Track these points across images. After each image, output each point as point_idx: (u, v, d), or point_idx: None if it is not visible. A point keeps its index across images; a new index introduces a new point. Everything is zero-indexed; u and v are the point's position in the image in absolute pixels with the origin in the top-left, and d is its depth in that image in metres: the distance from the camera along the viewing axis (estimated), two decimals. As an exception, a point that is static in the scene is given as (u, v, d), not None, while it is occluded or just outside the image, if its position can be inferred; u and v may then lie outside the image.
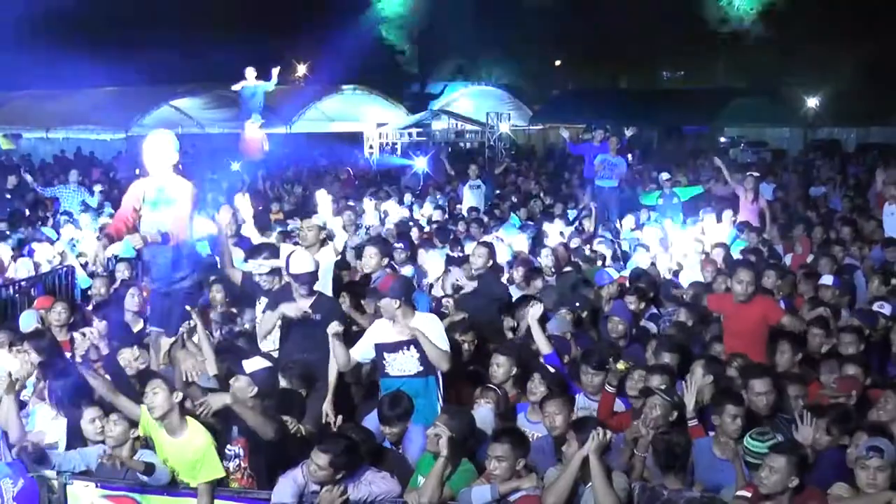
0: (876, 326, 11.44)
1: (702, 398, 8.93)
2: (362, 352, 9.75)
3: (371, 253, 11.94)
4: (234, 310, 11.92)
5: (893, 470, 7.13)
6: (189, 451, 8.29)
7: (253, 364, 8.72)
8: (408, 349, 9.45)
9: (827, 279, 13.51)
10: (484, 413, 8.84)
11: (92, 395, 9.53)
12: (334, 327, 9.46)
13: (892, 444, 7.32)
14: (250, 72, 27.85)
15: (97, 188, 24.54)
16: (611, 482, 7.32)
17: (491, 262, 12.61)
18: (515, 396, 9.72)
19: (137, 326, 11.73)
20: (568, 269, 15.22)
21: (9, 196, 24.69)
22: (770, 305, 11.16)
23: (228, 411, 8.52)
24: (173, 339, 10.18)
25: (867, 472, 7.14)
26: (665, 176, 23.42)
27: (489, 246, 13.01)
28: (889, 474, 7.12)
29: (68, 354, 10.62)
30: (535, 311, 10.33)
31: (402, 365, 9.49)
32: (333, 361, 9.62)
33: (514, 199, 24.85)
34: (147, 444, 8.61)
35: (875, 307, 12.27)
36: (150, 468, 8.19)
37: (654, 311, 12.95)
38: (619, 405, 9.39)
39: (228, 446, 8.49)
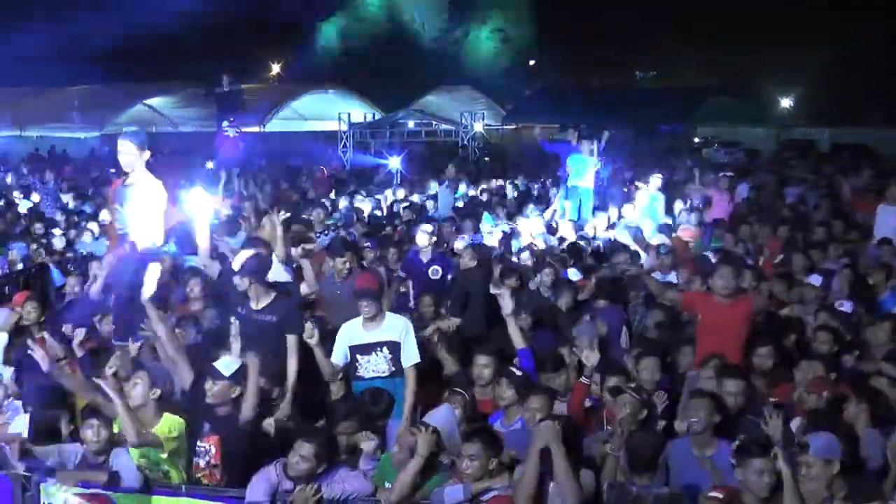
0: (852, 328, 11.49)
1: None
2: (340, 357, 9.80)
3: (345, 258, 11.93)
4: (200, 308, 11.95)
5: (828, 465, 7.17)
6: (163, 437, 8.33)
7: (227, 365, 8.66)
8: (381, 350, 9.56)
9: (815, 279, 13.52)
10: (443, 412, 8.83)
11: (64, 397, 9.56)
12: (311, 335, 9.53)
13: (829, 441, 7.35)
14: (226, 78, 27.87)
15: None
16: (573, 469, 7.29)
17: (476, 261, 12.80)
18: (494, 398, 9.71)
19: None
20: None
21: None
22: (750, 303, 11.17)
23: (198, 408, 8.53)
24: (138, 344, 10.13)
25: (799, 468, 7.20)
26: (657, 177, 23.53)
27: (476, 245, 13.21)
28: (819, 470, 7.16)
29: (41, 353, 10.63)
30: (507, 304, 10.34)
31: (376, 366, 9.60)
32: (293, 362, 9.61)
33: (487, 199, 24.88)
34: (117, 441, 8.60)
35: (837, 305, 12.34)
36: (114, 478, 8.16)
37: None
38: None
39: (199, 443, 8.47)
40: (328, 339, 9.94)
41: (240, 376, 8.54)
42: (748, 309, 10.91)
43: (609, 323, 11.97)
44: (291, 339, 9.59)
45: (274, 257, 10.86)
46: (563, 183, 22.42)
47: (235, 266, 9.97)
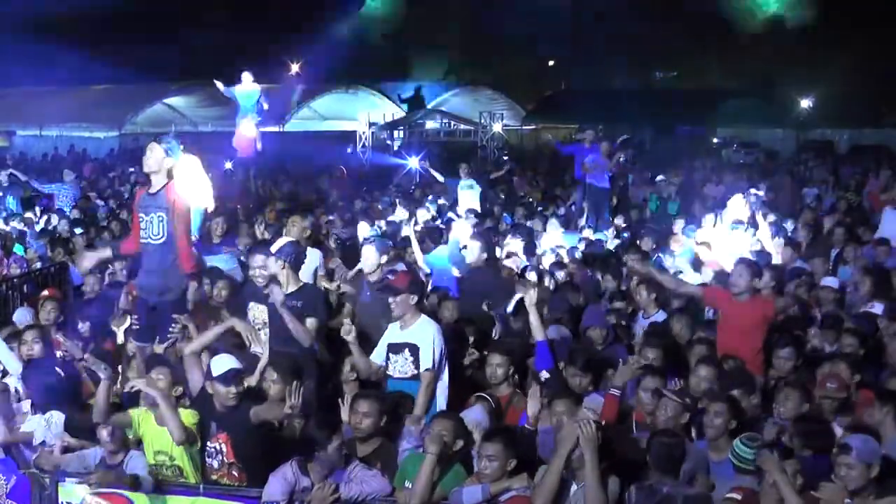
0: (875, 332, 11.41)
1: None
2: (378, 355, 9.83)
3: (370, 251, 11.94)
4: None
5: (868, 469, 7.11)
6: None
7: (219, 365, 8.63)
8: (404, 351, 9.55)
9: (832, 281, 13.46)
10: (475, 414, 8.82)
11: (82, 394, 9.60)
12: (348, 331, 9.56)
13: (870, 444, 7.30)
14: (247, 76, 27.77)
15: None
16: (601, 478, 7.26)
17: (485, 255, 12.75)
18: (508, 396, 9.69)
19: (123, 326, 11.60)
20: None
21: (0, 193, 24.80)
22: (769, 303, 11.13)
23: (205, 408, 8.55)
24: (165, 345, 10.14)
25: (838, 469, 7.16)
26: (660, 178, 23.56)
27: (483, 239, 13.12)
28: (859, 472, 7.08)
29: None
30: (532, 295, 10.25)
31: (401, 367, 9.59)
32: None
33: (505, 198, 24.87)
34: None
35: (867, 307, 12.27)
36: (135, 482, 8.18)
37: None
38: (600, 401, 9.32)
39: (209, 443, 8.49)
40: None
41: (230, 377, 8.49)
42: (766, 309, 10.87)
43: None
44: (311, 322, 9.64)
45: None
46: (580, 184, 22.38)
47: (273, 249, 10.08)
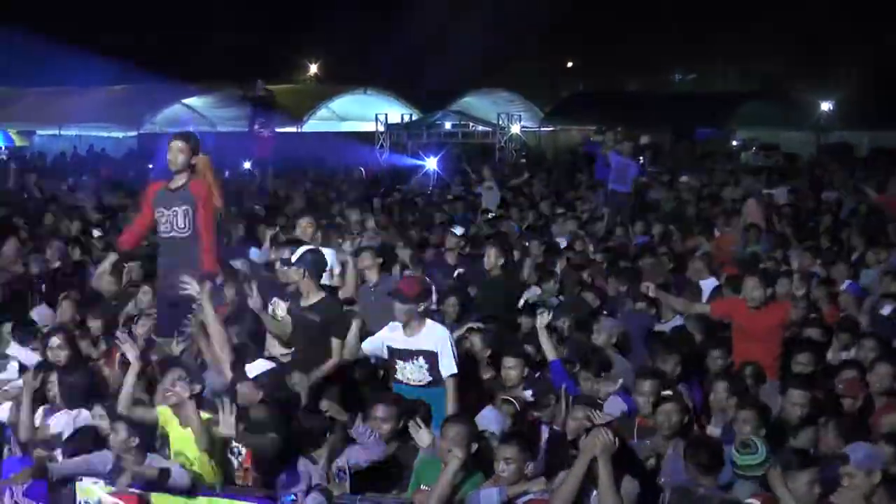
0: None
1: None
2: (372, 349, 9.85)
3: (368, 255, 12.04)
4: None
5: (869, 476, 7.06)
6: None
7: (256, 367, 8.67)
8: (416, 359, 9.44)
9: (853, 286, 13.41)
10: (489, 415, 8.77)
11: (100, 391, 9.57)
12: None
13: (869, 452, 7.26)
14: (260, 83, 27.93)
15: None
16: (617, 485, 7.21)
17: (502, 261, 12.75)
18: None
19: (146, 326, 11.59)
20: None
21: (26, 195, 25.07)
22: (785, 310, 11.07)
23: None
24: (182, 345, 10.16)
25: (842, 479, 7.12)
26: (684, 179, 23.49)
27: (499, 245, 13.13)
28: (860, 480, 7.05)
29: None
30: (543, 318, 10.25)
31: (412, 374, 9.48)
32: (331, 363, 9.61)
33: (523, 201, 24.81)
34: (153, 447, 8.57)
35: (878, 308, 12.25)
36: (164, 474, 8.10)
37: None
38: (622, 405, 9.31)
39: (234, 441, 8.47)
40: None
41: (265, 380, 8.53)
42: (781, 316, 10.83)
43: (635, 327, 11.87)
44: (335, 343, 9.63)
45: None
46: (602, 185, 22.35)
47: (294, 258, 10.07)
